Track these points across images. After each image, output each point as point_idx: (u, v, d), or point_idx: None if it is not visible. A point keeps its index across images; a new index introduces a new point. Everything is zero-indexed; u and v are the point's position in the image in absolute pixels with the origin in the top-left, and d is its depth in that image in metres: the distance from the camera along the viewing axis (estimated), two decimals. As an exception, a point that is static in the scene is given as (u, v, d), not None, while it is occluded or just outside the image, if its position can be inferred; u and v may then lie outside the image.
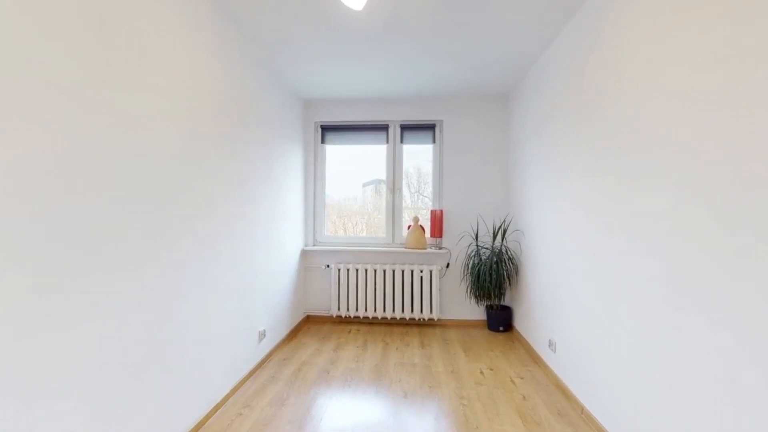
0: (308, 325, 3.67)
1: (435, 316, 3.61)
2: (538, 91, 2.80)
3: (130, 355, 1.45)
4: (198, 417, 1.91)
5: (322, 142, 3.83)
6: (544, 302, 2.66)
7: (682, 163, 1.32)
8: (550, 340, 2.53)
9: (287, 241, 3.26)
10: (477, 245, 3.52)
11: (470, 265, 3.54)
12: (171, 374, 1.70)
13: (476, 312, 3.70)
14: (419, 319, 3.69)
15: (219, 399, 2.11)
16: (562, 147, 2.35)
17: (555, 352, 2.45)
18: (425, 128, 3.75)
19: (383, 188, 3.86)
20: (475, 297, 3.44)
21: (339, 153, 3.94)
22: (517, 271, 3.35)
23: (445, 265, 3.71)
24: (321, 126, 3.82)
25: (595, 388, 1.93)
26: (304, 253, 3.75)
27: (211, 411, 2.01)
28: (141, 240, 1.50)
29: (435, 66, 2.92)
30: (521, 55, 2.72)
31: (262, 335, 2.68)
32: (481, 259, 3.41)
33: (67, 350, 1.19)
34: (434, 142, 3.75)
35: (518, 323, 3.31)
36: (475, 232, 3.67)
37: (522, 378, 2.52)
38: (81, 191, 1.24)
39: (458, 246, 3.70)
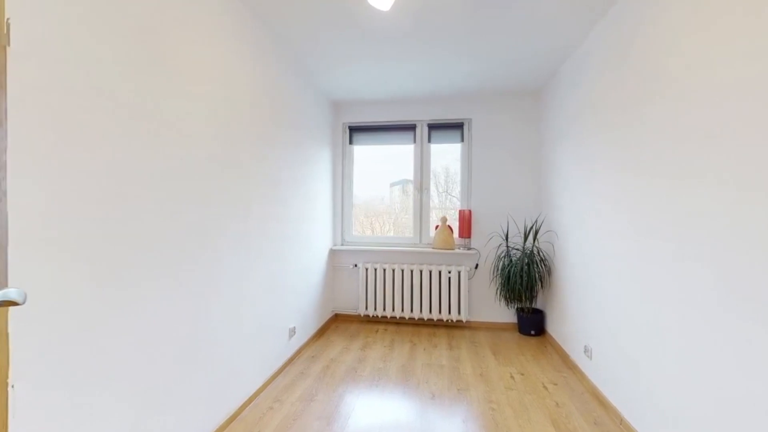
0: (336, 324, 3.72)
1: (463, 317, 3.55)
2: (573, 86, 2.68)
3: (174, 347, 1.53)
4: (232, 409, 1.98)
5: (350, 143, 3.87)
6: (580, 306, 2.54)
7: (739, 160, 1.22)
8: (585, 346, 2.42)
9: (316, 240, 3.32)
10: (507, 246, 3.43)
11: (500, 267, 3.46)
12: (210, 366, 1.78)
13: (506, 315, 3.61)
14: (447, 321, 3.65)
15: (252, 392, 2.18)
16: (600, 144, 2.24)
17: (591, 358, 2.34)
18: (453, 127, 3.70)
19: (410, 188, 3.85)
20: (505, 299, 3.35)
21: (367, 153, 3.97)
22: (549, 273, 3.23)
23: (474, 266, 3.64)
24: (349, 127, 3.86)
25: (636, 399, 1.83)
26: (333, 253, 3.81)
27: (244, 403, 2.09)
28: (182, 238, 1.59)
29: (464, 64, 2.87)
30: (555, 50, 2.63)
31: (292, 332, 2.75)
32: (511, 261, 3.32)
33: (117, 340, 1.28)
34: (462, 140, 3.69)
35: (551, 327, 3.19)
36: (505, 232, 3.57)
37: (555, 384, 2.42)
38: (129, 193, 1.32)
39: (487, 247, 3.63)
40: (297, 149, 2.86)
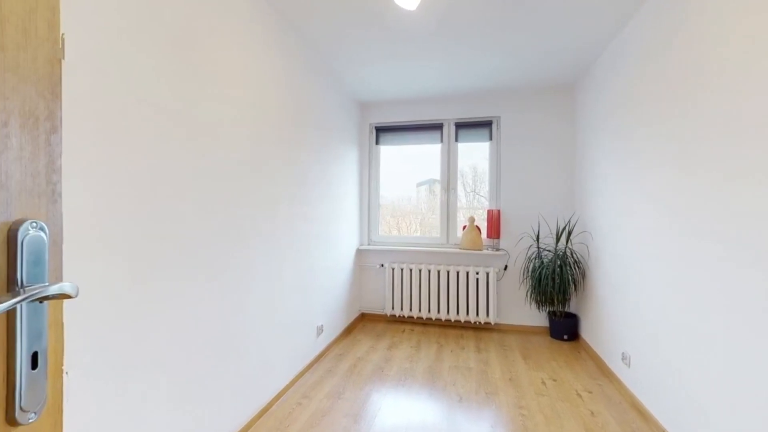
0: (363, 323, 3.75)
1: (492, 320, 3.47)
2: (610, 80, 2.56)
3: (208, 341, 1.60)
4: (263, 403, 2.05)
5: (377, 143, 3.89)
6: (617, 311, 2.42)
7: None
8: (623, 353, 2.30)
9: (343, 240, 3.37)
10: (538, 247, 3.32)
11: (531, 268, 3.35)
12: (242, 361, 1.84)
13: (537, 318, 3.50)
14: (475, 323, 3.58)
15: (281, 388, 2.24)
16: (640, 139, 2.13)
17: (629, 366, 2.22)
18: (481, 125, 3.62)
19: (437, 188, 3.81)
20: (536, 302, 3.25)
21: (393, 153, 3.98)
22: (584, 276, 3.10)
23: (503, 267, 3.55)
24: (375, 127, 3.88)
25: (680, 410, 1.71)
26: (359, 252, 3.84)
27: (273, 398, 2.15)
28: (215, 236, 1.66)
29: (492, 60, 2.81)
30: (590, 43, 2.51)
31: (320, 330, 2.80)
32: (542, 262, 3.21)
33: (157, 333, 1.35)
34: (491, 139, 3.61)
35: (585, 332, 3.06)
36: (536, 233, 3.46)
37: (590, 392, 2.32)
38: (166, 194, 1.40)
39: (517, 247, 3.53)
40: (324, 150, 2.91)
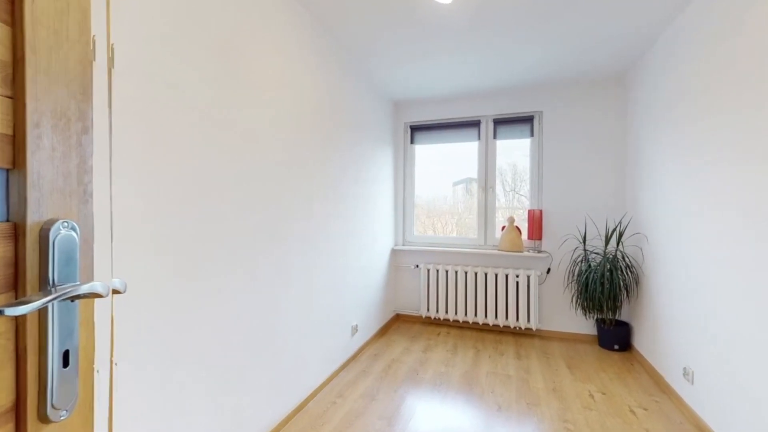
0: (398, 324, 3.72)
1: (533, 325, 3.30)
2: (669, 67, 2.32)
3: (247, 336, 1.65)
4: (298, 400, 2.08)
5: (412, 142, 3.84)
6: (678, 322, 2.19)
7: None
8: (685, 369, 2.07)
9: (378, 239, 3.35)
10: (585, 249, 3.10)
11: (576, 272, 3.15)
12: (278, 357, 1.88)
13: (583, 325, 3.27)
14: (515, 328, 3.42)
15: (316, 386, 2.26)
16: (708, 131, 1.91)
17: (692, 383, 2.00)
18: (522, 121, 3.46)
19: (475, 187, 3.69)
20: (583, 308, 3.03)
21: (429, 152, 3.91)
22: (637, 282, 2.85)
23: (546, 270, 3.36)
24: (410, 126, 3.83)
25: (755, 437, 1.51)
26: (394, 252, 3.81)
27: (309, 396, 2.17)
28: (253, 236, 1.70)
29: (534, 52, 2.66)
30: (642, 28, 2.30)
31: (355, 329, 2.81)
32: (590, 266, 3.00)
33: (199, 327, 1.41)
34: (532, 135, 3.43)
35: (639, 343, 2.81)
36: (582, 234, 3.24)
37: (645, 409, 2.12)
38: (209, 195, 1.45)
39: (561, 250, 3.32)
40: (358, 150, 2.91)
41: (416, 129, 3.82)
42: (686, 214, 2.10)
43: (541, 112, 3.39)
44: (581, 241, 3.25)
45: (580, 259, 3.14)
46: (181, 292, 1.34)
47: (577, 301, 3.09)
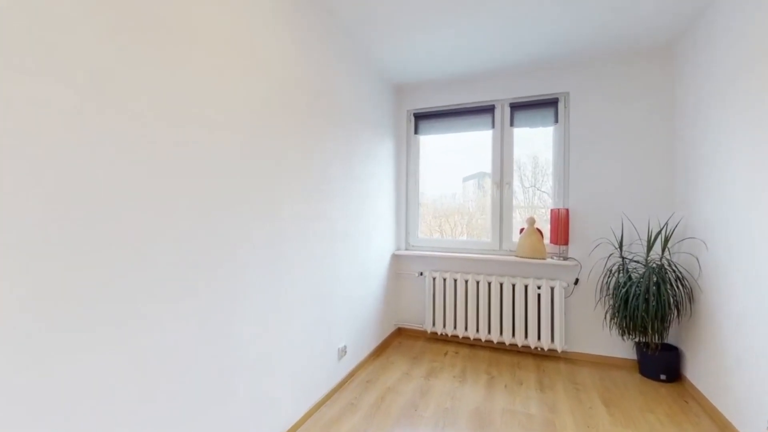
0: (399, 339, 3.25)
1: (558, 346, 2.78)
2: (735, 29, 1.79)
3: (186, 371, 1.22)
4: (261, 449, 1.64)
5: (416, 132, 3.37)
6: (754, 354, 1.66)
7: None
8: (773, 422, 1.54)
9: (376, 243, 2.90)
10: (622, 257, 2.57)
11: (611, 284, 2.62)
12: (226, 402, 1.45)
13: (619, 347, 2.73)
14: (536, 349, 2.91)
15: (288, 427, 1.82)
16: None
17: (787, 444, 1.47)
18: (544, 105, 2.94)
19: (488, 183, 3.19)
20: (620, 328, 2.50)
21: (435, 143, 3.43)
22: (691, 298, 2.31)
23: (573, 281, 2.84)
24: (414, 114, 3.36)
25: None
26: (396, 258, 3.35)
27: (277, 442, 1.74)
28: (186, 245, 1.27)
29: (561, 19, 2.16)
30: (710, -30, 1.77)
31: (343, 352, 2.36)
32: (630, 277, 2.46)
33: (74, 378, 0.99)
34: (556, 121, 2.91)
35: (693, 373, 2.26)
36: (619, 239, 2.70)
37: (716, 473, 1.59)
38: (99, 192, 1.03)
39: (592, 257, 2.79)
40: (352, 141, 2.46)
41: (421, 117, 3.35)
42: (763, 213, 1.57)
43: (567, 93, 2.87)
44: (617, 246, 2.71)
45: (616, 268, 2.61)
46: (78, 318, 0.92)
47: (612, 319, 2.56)
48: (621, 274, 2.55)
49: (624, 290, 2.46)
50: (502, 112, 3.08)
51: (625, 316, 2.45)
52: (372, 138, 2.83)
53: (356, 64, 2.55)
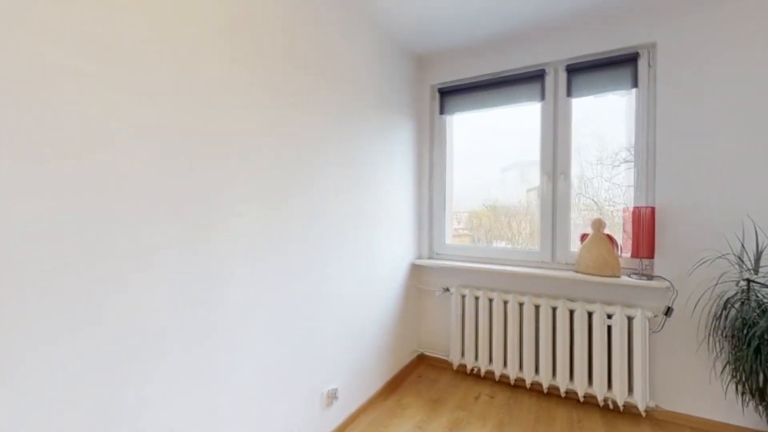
0: (419, 370, 2.60)
1: (640, 401, 1.97)
2: None
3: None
4: None
5: (441, 112, 2.70)
6: None
7: None
8: None
9: (387, 250, 2.29)
10: (746, 279, 1.72)
11: (727, 317, 1.78)
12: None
13: (736, 411, 1.86)
14: (607, 402, 2.11)
15: None
16: None
17: None
18: (616, 64, 2.14)
19: (535, 173, 2.43)
20: (743, 385, 1.66)
21: (465, 125, 2.74)
22: None
23: (663, 310, 2.01)
24: (439, 90, 2.70)
25: None
26: (415, 269, 2.70)
27: None
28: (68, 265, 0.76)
29: None
30: None
31: (332, 397, 1.77)
32: (760, 308, 1.62)
33: None
34: (636, 85, 2.10)
35: None
36: (738, 252, 1.84)
37: None
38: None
39: (694, 277, 1.95)
40: (355, 122, 1.89)
41: (448, 93, 2.67)
42: None
43: (654, 44, 2.05)
44: (737, 263, 1.84)
45: (735, 294, 1.76)
46: None
47: (726, 368, 1.72)
48: (743, 304, 1.70)
49: (747, 326, 1.62)
50: (556, 78, 2.32)
51: (748, 367, 1.61)
52: (386, 120, 2.24)
53: (364, 27, 1.96)
